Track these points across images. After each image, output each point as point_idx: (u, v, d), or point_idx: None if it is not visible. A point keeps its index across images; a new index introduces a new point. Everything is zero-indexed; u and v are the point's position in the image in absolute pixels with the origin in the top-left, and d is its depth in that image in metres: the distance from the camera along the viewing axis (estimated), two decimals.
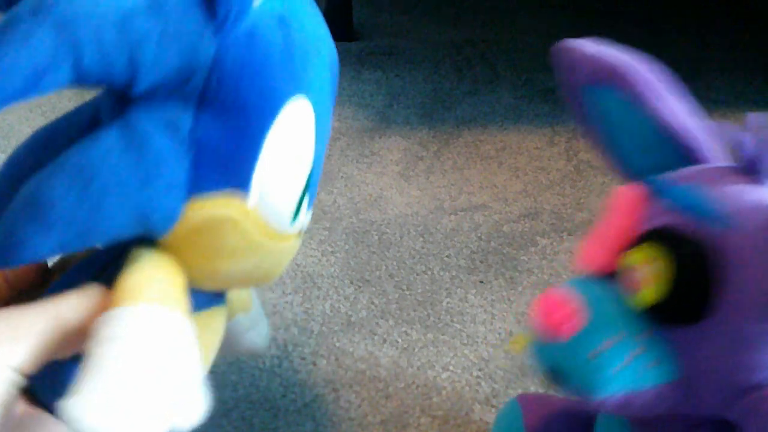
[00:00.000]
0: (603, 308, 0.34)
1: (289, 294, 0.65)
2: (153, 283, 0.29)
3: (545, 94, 1.08)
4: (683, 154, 0.35)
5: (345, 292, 0.66)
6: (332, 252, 0.71)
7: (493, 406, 0.56)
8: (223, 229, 0.31)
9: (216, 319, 0.38)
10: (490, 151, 0.92)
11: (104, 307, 0.28)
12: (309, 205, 0.36)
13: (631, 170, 0.38)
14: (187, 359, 0.29)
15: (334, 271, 0.68)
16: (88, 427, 0.25)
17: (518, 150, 0.92)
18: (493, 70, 1.13)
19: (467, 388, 0.57)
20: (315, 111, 0.33)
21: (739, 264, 0.30)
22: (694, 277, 0.31)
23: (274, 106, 0.30)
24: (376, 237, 0.74)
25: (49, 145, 0.31)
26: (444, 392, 0.57)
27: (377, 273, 0.69)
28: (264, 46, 0.30)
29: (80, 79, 0.27)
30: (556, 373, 0.35)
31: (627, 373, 0.33)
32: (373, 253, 0.71)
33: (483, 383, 0.58)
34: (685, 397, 0.33)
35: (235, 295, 0.44)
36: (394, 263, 0.70)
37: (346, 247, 0.72)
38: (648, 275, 0.32)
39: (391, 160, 0.88)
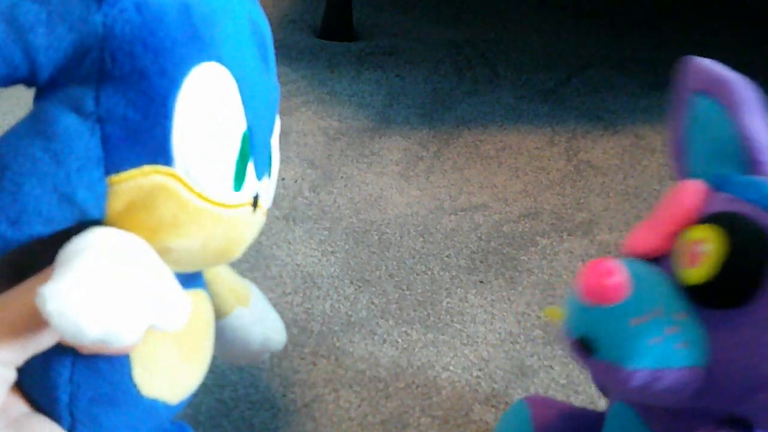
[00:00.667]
0: (647, 283, 0.35)
1: (289, 294, 0.65)
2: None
3: (545, 94, 1.08)
4: (750, 168, 0.37)
5: (345, 292, 0.66)
6: (332, 252, 0.71)
7: (493, 406, 0.56)
8: (157, 198, 0.31)
9: (194, 302, 0.37)
10: (490, 151, 0.92)
11: None
12: (263, 171, 0.36)
13: (695, 176, 0.41)
14: (155, 261, 0.30)
15: (334, 271, 0.68)
16: (64, 315, 0.26)
17: (518, 150, 0.92)
18: (493, 70, 1.13)
19: (467, 388, 0.57)
20: (235, 75, 0.32)
21: None
22: (747, 260, 0.32)
23: (176, 73, 0.30)
24: (376, 237, 0.74)
25: None
26: (444, 392, 0.57)
27: (377, 273, 0.69)
28: (155, 13, 0.30)
29: None
30: (590, 341, 0.35)
31: (659, 348, 0.34)
32: (373, 253, 0.71)
33: (483, 383, 0.58)
34: (704, 386, 0.34)
35: (226, 286, 0.43)
36: (394, 263, 0.70)
37: (346, 247, 0.72)
38: (704, 253, 0.34)
39: (391, 160, 0.88)
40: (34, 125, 0.29)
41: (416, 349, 0.60)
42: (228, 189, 0.33)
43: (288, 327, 0.61)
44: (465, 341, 0.62)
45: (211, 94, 0.32)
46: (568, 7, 1.41)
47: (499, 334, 0.63)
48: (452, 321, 0.64)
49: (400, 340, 0.61)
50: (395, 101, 1.02)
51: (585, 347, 0.36)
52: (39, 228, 0.29)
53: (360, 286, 0.67)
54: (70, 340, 0.26)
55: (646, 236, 0.37)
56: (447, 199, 0.81)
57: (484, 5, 1.39)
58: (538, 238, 0.76)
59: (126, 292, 0.28)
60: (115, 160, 0.30)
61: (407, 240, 0.74)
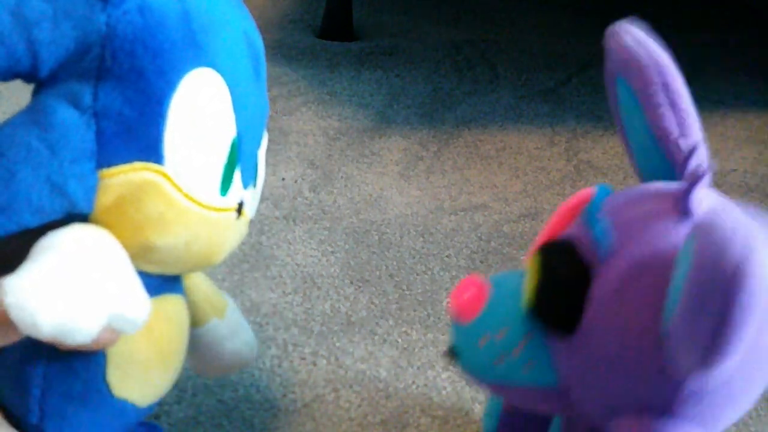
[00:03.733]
0: (504, 302, 0.35)
1: (289, 294, 0.65)
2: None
3: (545, 94, 1.08)
4: (669, 165, 0.35)
5: (345, 292, 0.66)
6: (332, 252, 0.71)
7: None
8: (146, 195, 0.32)
9: (171, 307, 0.38)
10: (490, 151, 0.92)
11: None
12: (249, 179, 0.37)
13: (638, 171, 0.39)
14: (122, 264, 0.31)
15: (334, 271, 0.68)
16: (21, 308, 0.27)
17: (518, 150, 0.92)
18: (493, 70, 1.13)
19: (467, 388, 0.57)
20: (228, 83, 0.33)
21: (605, 292, 0.31)
22: (553, 290, 0.32)
23: (173, 74, 0.31)
24: (376, 237, 0.74)
25: None
26: (444, 392, 0.57)
27: (377, 273, 0.69)
28: (156, 17, 0.31)
29: None
30: (454, 352, 0.37)
31: (504, 366, 0.34)
32: (373, 253, 0.71)
33: None
34: (563, 404, 0.34)
35: (204, 296, 0.44)
36: (394, 263, 0.70)
37: (346, 247, 0.72)
38: (529, 279, 0.34)
39: (391, 160, 0.88)
40: (31, 116, 0.30)
41: (416, 349, 0.60)
42: (215, 192, 0.34)
43: (288, 327, 0.61)
44: None
45: (204, 98, 0.32)
46: (568, 7, 1.42)
47: None
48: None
49: (400, 340, 0.61)
50: (395, 101, 1.02)
51: (452, 356, 0.37)
52: (28, 217, 0.29)
53: (360, 286, 0.67)
54: (27, 333, 0.27)
55: (528, 252, 0.36)
56: (447, 199, 0.81)
57: (484, 5, 1.39)
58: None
59: (84, 291, 0.28)
60: (108, 154, 0.31)
61: (407, 240, 0.74)
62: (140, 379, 0.36)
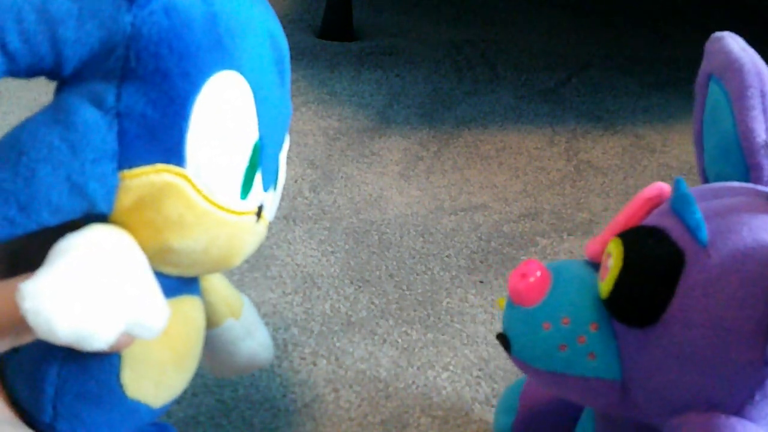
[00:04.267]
0: (569, 288, 0.34)
1: (289, 294, 0.65)
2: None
3: (545, 94, 1.08)
4: (748, 171, 0.35)
5: (345, 292, 0.66)
6: (332, 252, 0.71)
7: (493, 406, 0.55)
8: (166, 197, 0.31)
9: (188, 308, 0.38)
10: (490, 151, 0.92)
11: None
12: (269, 183, 0.37)
13: (705, 173, 0.39)
14: (140, 268, 0.31)
15: (334, 271, 0.68)
16: (39, 313, 0.26)
17: (518, 150, 0.92)
18: (493, 70, 1.13)
19: (467, 388, 0.57)
20: (252, 86, 0.33)
21: (699, 282, 0.30)
22: (637, 280, 0.31)
23: (197, 77, 0.31)
24: (376, 237, 0.74)
25: None
26: (444, 392, 0.57)
27: (377, 273, 0.69)
28: (182, 19, 0.31)
29: (10, 66, 0.28)
30: (508, 337, 0.36)
31: (566, 355, 0.34)
32: (373, 253, 0.71)
33: (483, 383, 0.58)
34: (621, 399, 0.34)
35: (220, 297, 0.44)
36: (394, 263, 0.70)
37: (346, 247, 0.72)
38: (609, 267, 0.33)
39: (391, 160, 0.88)
40: (54, 115, 0.30)
41: (416, 349, 0.60)
42: (235, 195, 0.34)
43: (288, 327, 0.61)
44: (465, 341, 0.62)
45: (228, 101, 0.32)
46: (568, 7, 1.42)
47: None
48: (452, 321, 0.64)
49: (400, 340, 0.61)
50: (395, 101, 1.02)
51: (505, 342, 0.36)
52: (47, 216, 0.29)
53: (360, 286, 0.67)
54: (44, 338, 0.27)
55: (593, 242, 0.36)
56: (447, 199, 0.81)
57: (484, 5, 1.39)
58: (538, 238, 0.76)
59: (102, 296, 0.28)
60: (129, 155, 0.31)
61: (407, 240, 0.74)
62: (155, 380, 0.36)
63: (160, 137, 0.31)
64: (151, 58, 0.30)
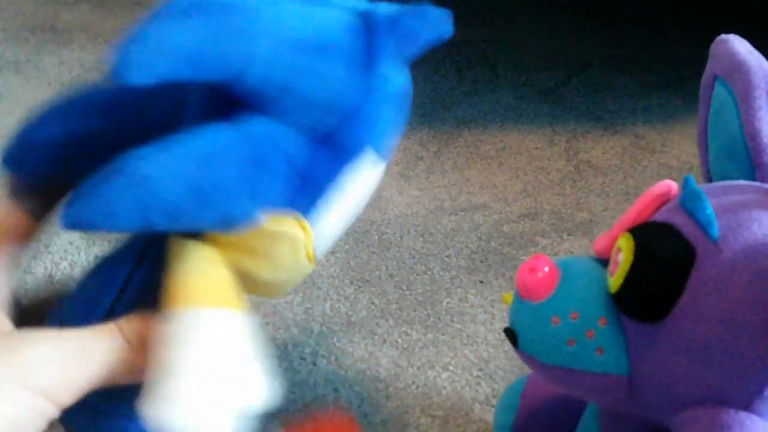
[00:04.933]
0: (575, 285, 0.34)
1: (289, 294, 0.65)
2: (210, 281, 0.30)
3: (545, 94, 1.08)
4: (753, 173, 0.35)
5: (345, 292, 0.66)
6: (332, 252, 0.71)
7: (492, 406, 0.56)
8: (283, 243, 0.32)
9: None
10: (490, 151, 0.92)
11: (142, 338, 0.29)
12: None
13: (710, 173, 0.39)
14: (250, 356, 0.31)
15: (334, 271, 0.68)
16: (168, 425, 0.27)
17: (518, 150, 0.92)
18: (493, 70, 1.13)
19: (467, 388, 0.57)
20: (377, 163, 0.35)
21: (711, 277, 0.30)
22: (648, 275, 0.31)
23: (362, 149, 0.33)
24: (376, 237, 0.74)
25: (115, 114, 0.33)
26: (444, 392, 0.57)
27: (377, 273, 0.69)
28: (388, 101, 0.33)
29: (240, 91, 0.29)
30: (516, 332, 0.36)
31: (574, 350, 0.34)
32: (373, 253, 0.71)
33: (483, 383, 0.58)
34: (628, 395, 0.34)
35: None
36: (394, 263, 0.70)
37: (346, 247, 0.72)
38: (619, 262, 0.33)
39: (391, 160, 0.88)
40: (249, 150, 0.30)
41: (416, 349, 0.60)
42: (324, 250, 0.35)
43: (288, 327, 0.61)
44: (465, 341, 0.62)
45: (367, 177, 0.34)
46: (568, 7, 1.42)
47: (499, 334, 0.63)
48: (452, 321, 0.64)
49: (400, 340, 0.61)
50: None
51: (512, 337, 0.36)
52: (180, 229, 0.30)
53: (360, 286, 0.67)
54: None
55: (602, 237, 0.36)
56: (447, 199, 0.81)
57: (484, 5, 1.39)
58: (538, 238, 0.76)
59: (221, 402, 0.28)
60: (285, 199, 0.31)
61: (407, 240, 0.74)
62: None
63: (316, 198, 0.32)
64: (357, 139, 0.32)
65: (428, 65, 1.12)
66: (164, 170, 0.28)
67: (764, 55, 0.37)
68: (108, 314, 0.32)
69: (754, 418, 0.30)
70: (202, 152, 0.28)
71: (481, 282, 0.69)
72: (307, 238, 0.32)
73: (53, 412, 0.27)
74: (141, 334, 0.29)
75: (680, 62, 1.20)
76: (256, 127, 0.30)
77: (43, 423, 0.27)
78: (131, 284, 0.32)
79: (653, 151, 0.95)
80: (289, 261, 0.33)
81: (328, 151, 0.31)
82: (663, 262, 0.31)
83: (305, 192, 0.32)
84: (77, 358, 0.28)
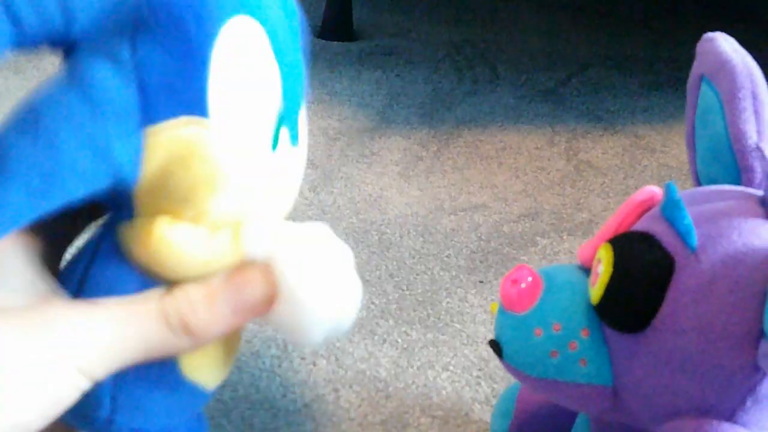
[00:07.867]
0: (559, 294, 0.34)
1: None
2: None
3: (545, 94, 1.08)
4: (739, 175, 0.35)
5: None
6: None
7: (492, 407, 0.55)
8: (193, 153, 0.30)
9: None
10: (490, 151, 0.92)
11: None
12: (294, 139, 0.35)
13: (697, 175, 0.39)
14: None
15: None
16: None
17: (518, 150, 0.92)
18: (493, 70, 1.13)
19: (467, 388, 0.57)
20: (268, 32, 0.32)
21: (691, 287, 0.30)
22: (627, 286, 0.31)
23: (212, 21, 0.30)
24: (376, 237, 0.74)
25: None
26: (444, 392, 0.57)
27: (377, 273, 0.69)
28: None
29: (17, 33, 0.27)
30: (499, 342, 0.36)
31: (557, 362, 0.33)
32: (373, 253, 0.71)
33: (483, 383, 0.58)
34: (613, 405, 0.33)
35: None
36: (394, 263, 0.70)
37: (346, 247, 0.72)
38: (599, 273, 0.33)
39: (391, 160, 0.88)
40: (68, 77, 0.28)
41: (416, 349, 0.60)
42: (267, 149, 0.32)
43: None
44: (465, 341, 0.62)
45: (246, 47, 0.31)
46: (568, 7, 1.42)
47: None
48: (452, 321, 0.64)
49: (400, 340, 0.61)
50: (395, 101, 1.02)
51: (496, 348, 0.36)
52: (72, 185, 0.28)
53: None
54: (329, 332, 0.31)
55: (585, 246, 0.36)
56: (447, 199, 0.81)
57: (484, 5, 1.39)
58: (538, 238, 0.76)
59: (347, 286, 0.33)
60: (152, 110, 0.29)
61: (407, 240, 0.74)
62: (210, 359, 0.35)
63: (181, 88, 0.29)
64: (163, 7, 0.29)
65: (428, 65, 1.12)
66: (9, 135, 0.27)
67: (764, 55, 0.37)
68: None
69: (738, 428, 0.30)
70: (32, 105, 0.28)
71: (481, 282, 0.69)
72: (213, 131, 0.30)
73: (87, 386, 0.28)
74: (183, 319, 0.29)
75: (680, 62, 1.20)
76: (75, 57, 0.29)
77: (77, 396, 0.28)
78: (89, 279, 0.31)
79: (653, 151, 0.95)
80: (219, 170, 0.30)
81: (150, 37, 0.29)
82: (641, 273, 0.31)
83: (170, 89, 0.29)
84: (116, 338, 0.28)
